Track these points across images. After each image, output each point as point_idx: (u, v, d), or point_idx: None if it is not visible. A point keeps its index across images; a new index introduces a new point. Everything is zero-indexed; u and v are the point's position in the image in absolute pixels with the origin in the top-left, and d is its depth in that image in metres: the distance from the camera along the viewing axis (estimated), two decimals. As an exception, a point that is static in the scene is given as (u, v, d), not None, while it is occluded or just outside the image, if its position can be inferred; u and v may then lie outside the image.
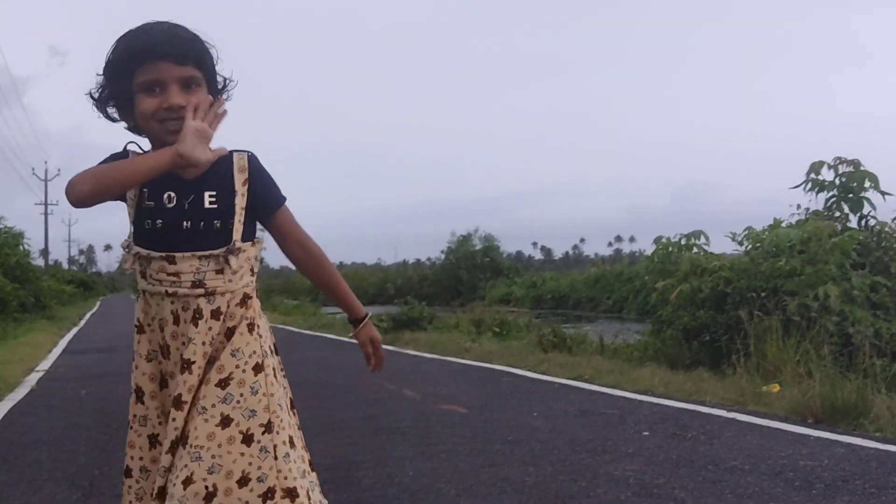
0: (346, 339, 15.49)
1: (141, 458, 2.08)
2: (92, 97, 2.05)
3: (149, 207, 1.98)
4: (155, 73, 1.94)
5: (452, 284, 45.65)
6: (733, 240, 9.72)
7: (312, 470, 2.10)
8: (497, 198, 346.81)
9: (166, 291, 1.97)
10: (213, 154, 1.92)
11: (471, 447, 5.02)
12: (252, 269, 2.05)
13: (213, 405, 1.92)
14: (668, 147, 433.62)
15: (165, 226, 1.97)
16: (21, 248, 24.66)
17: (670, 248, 10.73)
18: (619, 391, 7.26)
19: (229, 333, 1.98)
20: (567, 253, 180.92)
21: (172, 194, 1.98)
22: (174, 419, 1.92)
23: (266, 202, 2.09)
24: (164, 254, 1.97)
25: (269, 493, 1.90)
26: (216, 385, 1.93)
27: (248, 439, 1.92)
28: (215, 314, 1.97)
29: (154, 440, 2.05)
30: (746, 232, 9.62)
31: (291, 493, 1.92)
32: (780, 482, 4.06)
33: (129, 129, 2.06)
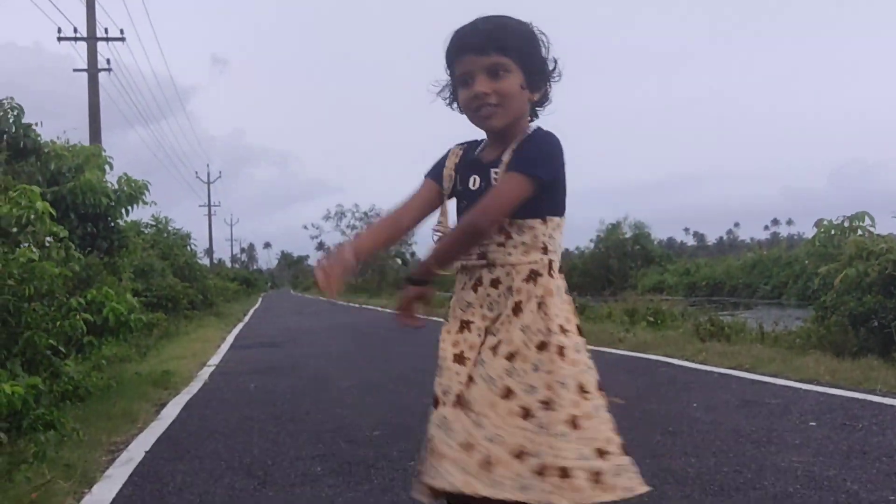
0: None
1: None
2: (442, 96, 2.27)
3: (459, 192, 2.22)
4: (463, 66, 2.13)
5: (602, 274, 45.06)
6: (901, 220, 9.26)
7: (625, 453, 2.07)
8: (647, 184, 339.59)
9: (463, 265, 2.14)
10: None
11: (630, 437, 4.94)
12: (545, 247, 2.11)
13: (500, 377, 2.02)
14: (824, 125, 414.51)
15: (470, 206, 2.14)
16: (188, 248, 26.09)
17: (833, 231, 10.31)
18: (782, 380, 7.05)
19: (517, 309, 2.06)
20: (721, 238, 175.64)
21: (477, 178, 2.19)
22: (458, 373, 2.07)
23: (514, 163, 2.12)
24: None
25: (541, 470, 1.95)
26: (505, 358, 2.04)
27: (526, 414, 1.99)
28: (494, 283, 2.10)
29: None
30: (916, 211, 9.14)
31: (564, 472, 1.95)
32: (961, 475, 3.87)
33: None
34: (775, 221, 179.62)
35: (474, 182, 2.18)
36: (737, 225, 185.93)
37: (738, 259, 42.09)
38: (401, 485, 4.08)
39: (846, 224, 10.16)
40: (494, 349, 2.04)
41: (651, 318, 13.75)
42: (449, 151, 2.29)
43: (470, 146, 2.28)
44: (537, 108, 2.24)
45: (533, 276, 2.08)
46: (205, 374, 9.65)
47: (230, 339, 16.09)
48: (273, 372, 9.53)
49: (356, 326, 18.81)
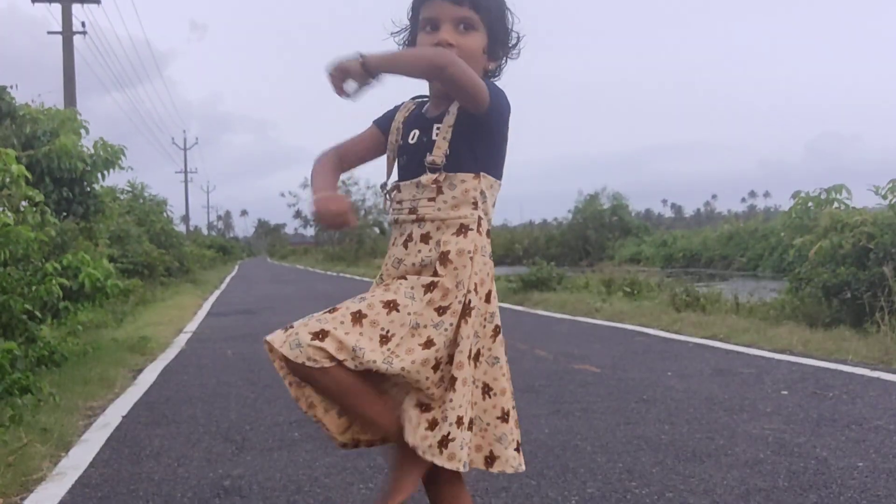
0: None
1: None
2: (397, 39, 2.23)
3: (401, 146, 2.20)
4: (431, 11, 2.08)
5: (580, 244, 45.14)
6: (876, 193, 9.30)
7: (505, 421, 2.22)
8: (625, 155, 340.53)
9: (395, 219, 2.15)
10: None
11: (605, 405, 5.05)
12: (475, 203, 2.07)
13: (426, 325, 2.01)
14: (801, 98, 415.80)
15: (409, 161, 2.15)
16: (165, 214, 25.89)
17: (809, 204, 10.37)
18: (756, 350, 7.15)
19: (443, 259, 2.03)
20: (698, 210, 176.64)
21: (417, 132, 2.16)
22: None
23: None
24: (398, 183, 2.17)
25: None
26: (435, 310, 2.02)
27: (437, 366, 2.02)
28: (424, 238, 2.07)
29: None
30: (891, 185, 9.18)
31: (432, 424, 2.06)
32: (928, 442, 3.94)
33: None
34: (752, 194, 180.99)
35: (413, 136, 2.15)
36: (714, 197, 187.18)
37: (715, 231, 42.23)
38: (377, 450, 4.10)
39: (823, 196, 10.22)
40: (432, 300, 2.02)
41: (627, 289, 13.80)
42: (402, 104, 2.27)
43: (422, 102, 2.24)
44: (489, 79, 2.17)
45: (462, 230, 2.05)
46: (182, 340, 9.64)
47: (207, 306, 16.02)
48: (250, 339, 9.52)
49: (333, 295, 18.79)
